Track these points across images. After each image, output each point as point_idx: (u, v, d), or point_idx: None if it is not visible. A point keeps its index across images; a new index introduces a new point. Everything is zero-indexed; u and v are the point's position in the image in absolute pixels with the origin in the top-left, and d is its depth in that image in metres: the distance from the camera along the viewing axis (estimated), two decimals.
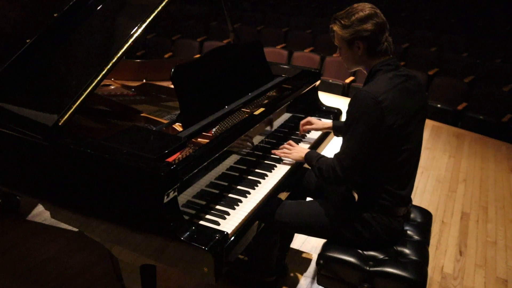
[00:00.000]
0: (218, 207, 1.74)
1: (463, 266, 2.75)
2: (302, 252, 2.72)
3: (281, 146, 2.16)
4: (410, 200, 1.90)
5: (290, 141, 2.16)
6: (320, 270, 1.83)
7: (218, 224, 1.63)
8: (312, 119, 2.38)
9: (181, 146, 1.62)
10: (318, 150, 2.41)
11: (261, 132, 2.15)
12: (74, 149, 1.60)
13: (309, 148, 2.33)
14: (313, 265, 2.60)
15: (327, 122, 2.39)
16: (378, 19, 1.72)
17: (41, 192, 1.82)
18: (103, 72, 1.71)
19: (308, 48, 6.73)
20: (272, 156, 2.17)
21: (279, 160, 2.14)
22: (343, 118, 1.91)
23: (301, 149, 2.07)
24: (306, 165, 2.25)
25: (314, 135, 2.48)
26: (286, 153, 2.09)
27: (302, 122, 2.39)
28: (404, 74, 1.76)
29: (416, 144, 1.80)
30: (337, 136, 2.40)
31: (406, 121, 1.69)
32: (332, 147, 2.56)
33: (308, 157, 1.95)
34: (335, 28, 1.78)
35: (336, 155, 1.77)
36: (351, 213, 1.83)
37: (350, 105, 1.71)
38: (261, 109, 2.09)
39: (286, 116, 2.43)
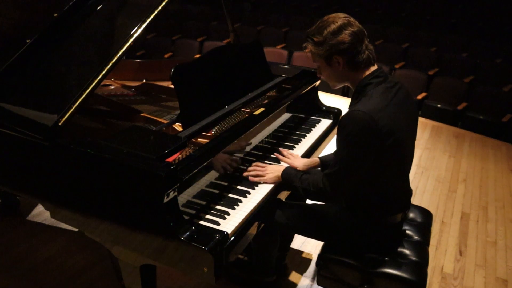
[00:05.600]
0: (218, 207, 1.74)
1: (463, 266, 2.75)
2: (302, 252, 2.72)
3: (251, 168, 1.93)
4: (408, 205, 1.88)
5: (258, 163, 1.97)
6: (320, 270, 1.83)
7: (218, 224, 1.63)
8: (296, 161, 2.06)
9: (181, 146, 1.62)
10: (315, 155, 2.35)
11: (261, 132, 2.15)
12: (74, 149, 1.60)
13: (302, 155, 2.21)
14: (313, 265, 2.60)
15: (311, 160, 2.11)
16: (353, 28, 1.60)
17: (41, 192, 1.82)
18: (103, 72, 1.71)
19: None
20: (272, 156, 2.17)
21: (279, 161, 2.14)
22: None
23: (275, 168, 1.92)
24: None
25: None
26: (259, 175, 1.90)
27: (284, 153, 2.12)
28: (393, 85, 1.67)
29: (408, 156, 1.76)
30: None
31: (401, 135, 1.63)
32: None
33: (286, 177, 1.83)
34: (309, 46, 1.66)
35: (325, 173, 1.68)
36: (348, 223, 1.81)
37: (343, 125, 1.59)
38: (261, 109, 2.09)
39: (286, 116, 2.43)
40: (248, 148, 2.06)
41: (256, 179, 1.90)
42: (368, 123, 1.53)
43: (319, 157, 2.13)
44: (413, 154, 1.82)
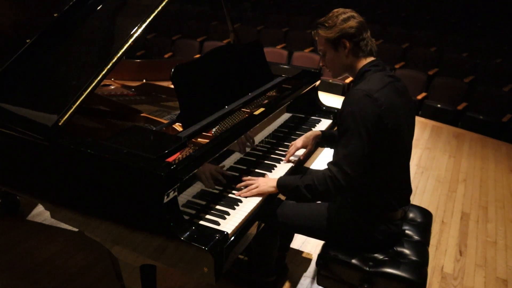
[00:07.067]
0: (218, 207, 1.74)
1: (463, 266, 2.75)
2: (302, 252, 2.72)
3: (241, 184, 1.87)
4: (408, 201, 1.89)
5: (246, 177, 1.90)
6: (320, 270, 1.84)
7: (218, 224, 1.63)
8: (297, 142, 2.14)
9: (181, 146, 1.62)
10: (315, 155, 2.34)
11: (261, 132, 2.15)
12: (74, 149, 1.60)
13: (302, 155, 2.18)
14: (313, 265, 2.60)
15: (310, 132, 2.17)
16: (360, 19, 1.77)
17: (41, 192, 1.82)
18: (103, 72, 1.71)
19: (308, 48, 6.73)
20: (272, 156, 2.17)
21: (279, 160, 2.14)
22: None
23: (267, 179, 1.88)
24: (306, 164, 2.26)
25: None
26: (251, 189, 1.82)
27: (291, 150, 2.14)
28: (392, 75, 1.77)
29: (407, 145, 1.79)
30: (322, 146, 2.31)
31: (399, 120, 1.68)
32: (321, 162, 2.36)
33: (283, 183, 1.79)
34: (320, 32, 1.79)
35: (333, 162, 1.67)
36: (349, 220, 1.82)
37: (344, 105, 1.67)
38: (261, 109, 2.09)
39: (286, 116, 2.43)
40: (248, 148, 2.06)
41: (248, 193, 1.81)
42: (367, 100, 1.62)
43: (320, 130, 2.20)
44: (411, 149, 1.84)
